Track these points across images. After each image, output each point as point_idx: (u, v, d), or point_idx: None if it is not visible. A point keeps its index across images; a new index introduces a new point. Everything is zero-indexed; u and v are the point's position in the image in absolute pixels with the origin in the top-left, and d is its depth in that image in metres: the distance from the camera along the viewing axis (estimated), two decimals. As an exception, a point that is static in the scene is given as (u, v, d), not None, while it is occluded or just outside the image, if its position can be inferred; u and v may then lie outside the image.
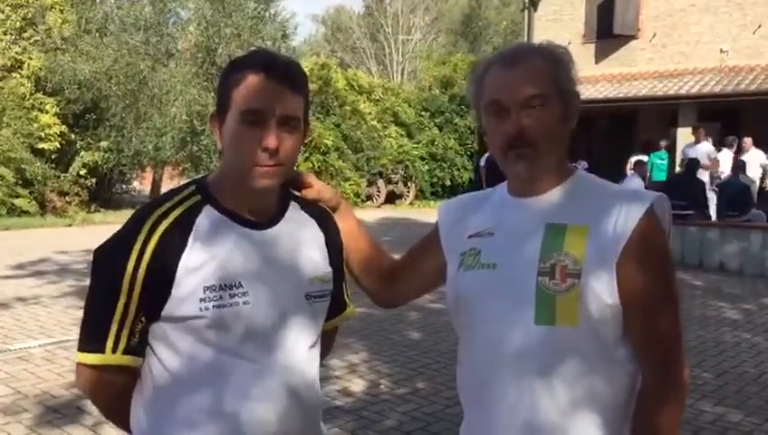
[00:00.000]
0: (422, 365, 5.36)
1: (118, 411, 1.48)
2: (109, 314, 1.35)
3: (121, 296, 1.34)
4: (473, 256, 1.48)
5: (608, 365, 1.38)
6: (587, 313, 1.35)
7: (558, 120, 1.42)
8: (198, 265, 1.36)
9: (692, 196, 10.95)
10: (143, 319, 1.37)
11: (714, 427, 4.26)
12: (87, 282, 1.46)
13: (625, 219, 1.36)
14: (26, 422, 4.16)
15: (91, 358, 1.38)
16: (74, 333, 6.17)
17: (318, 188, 1.62)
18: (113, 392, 1.44)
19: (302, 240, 1.50)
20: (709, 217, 11.29)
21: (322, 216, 1.59)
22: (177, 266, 1.35)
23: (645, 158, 13.62)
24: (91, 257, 1.44)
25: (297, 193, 1.59)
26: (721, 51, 17.24)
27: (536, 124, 1.39)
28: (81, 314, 1.45)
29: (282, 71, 1.38)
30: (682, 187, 11.26)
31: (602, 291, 1.34)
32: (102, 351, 1.36)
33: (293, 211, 1.52)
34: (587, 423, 1.37)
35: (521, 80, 1.40)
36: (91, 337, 1.38)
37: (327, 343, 1.64)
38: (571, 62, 1.47)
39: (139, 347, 1.39)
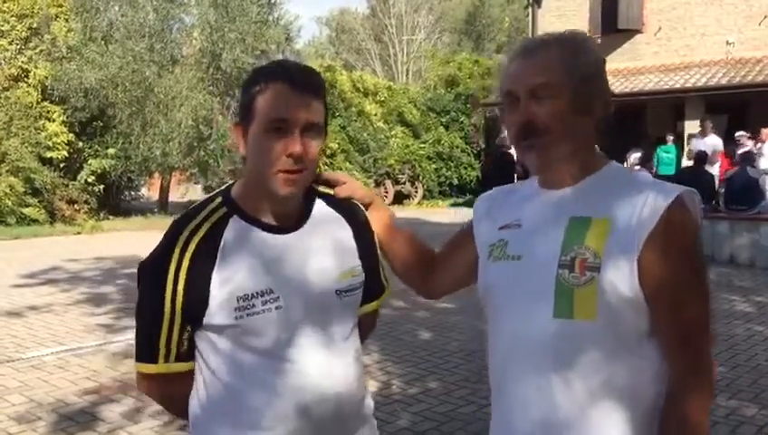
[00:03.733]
0: (433, 365, 5.36)
1: (179, 410, 1.58)
2: (156, 327, 1.45)
3: (165, 310, 1.43)
4: (500, 248, 1.50)
5: (628, 360, 1.36)
6: (605, 306, 1.33)
7: (571, 109, 1.39)
8: (229, 276, 1.42)
9: (701, 189, 10.86)
10: (189, 328, 1.45)
11: (728, 421, 4.23)
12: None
13: (649, 211, 1.33)
14: (40, 430, 4.18)
15: (147, 368, 1.48)
16: (86, 341, 6.22)
17: (351, 186, 1.66)
18: (171, 394, 1.55)
19: (329, 238, 1.54)
20: (719, 209, 11.23)
21: (350, 209, 1.62)
22: (210, 280, 1.42)
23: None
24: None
25: (329, 190, 1.62)
26: (727, 43, 17.15)
27: (545, 113, 1.38)
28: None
29: (305, 80, 1.43)
30: (690, 180, 11.21)
31: (622, 284, 1.32)
32: (156, 361, 1.46)
33: (319, 209, 1.56)
34: (604, 418, 1.36)
35: (531, 70, 1.40)
36: (145, 349, 1.48)
37: (369, 324, 1.71)
38: (593, 51, 1.44)
39: (188, 352, 1.48)
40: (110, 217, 18.77)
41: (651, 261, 1.31)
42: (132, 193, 22.97)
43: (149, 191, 24.36)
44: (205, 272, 1.42)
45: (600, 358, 1.35)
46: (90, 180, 18.58)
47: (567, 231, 1.39)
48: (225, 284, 1.41)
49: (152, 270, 1.46)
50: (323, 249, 1.52)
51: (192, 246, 1.43)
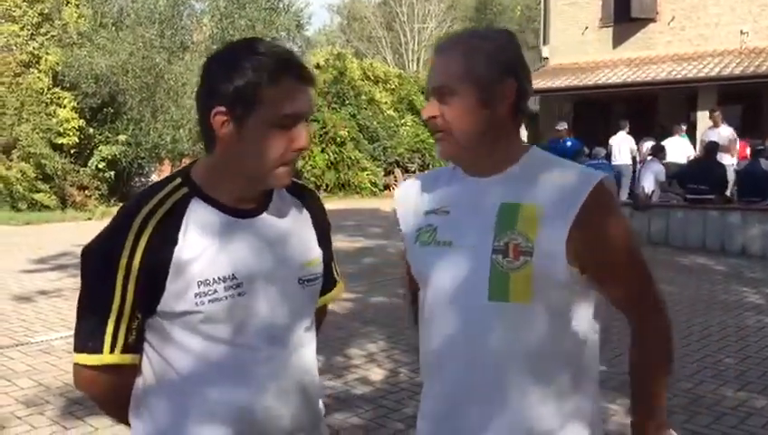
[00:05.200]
0: (441, 354, 5.35)
1: (119, 408, 1.48)
2: (104, 313, 1.35)
3: (116, 295, 1.34)
4: (429, 233, 1.54)
5: (561, 334, 1.45)
6: (539, 288, 1.41)
7: (473, 106, 1.45)
8: (190, 259, 1.35)
9: (712, 180, 10.82)
10: (138, 316, 1.36)
11: (736, 412, 4.21)
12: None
13: (574, 195, 1.42)
14: (49, 414, 4.20)
15: (90, 359, 1.37)
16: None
17: None
18: (113, 391, 1.44)
19: (290, 223, 1.50)
20: (730, 200, 11.16)
21: (307, 195, 1.58)
22: (169, 262, 1.34)
23: (665, 143, 13.47)
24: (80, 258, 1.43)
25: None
26: (741, 32, 16.97)
27: (446, 111, 1.46)
28: (77, 303, 1.45)
29: (306, 72, 1.40)
30: (702, 171, 11.13)
31: (554, 265, 1.41)
32: (100, 351, 1.36)
33: (280, 194, 1.51)
34: (540, 388, 1.43)
35: (436, 70, 1.49)
36: (88, 338, 1.37)
37: (319, 320, 1.65)
38: (496, 47, 1.47)
39: (136, 344, 1.39)
40: (121, 203, 18.78)
41: (582, 240, 1.40)
42: (142, 179, 22.98)
43: (160, 177, 24.38)
44: (163, 255, 1.34)
45: (535, 336, 1.43)
46: (100, 166, 18.64)
47: (498, 217, 1.45)
48: (185, 268, 1.34)
49: (102, 253, 1.37)
50: (286, 236, 1.47)
51: (149, 228, 1.34)
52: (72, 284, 8.21)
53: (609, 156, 14.11)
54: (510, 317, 1.42)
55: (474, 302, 1.44)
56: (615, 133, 14.68)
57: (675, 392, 4.50)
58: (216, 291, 1.35)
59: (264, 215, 1.46)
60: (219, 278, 1.36)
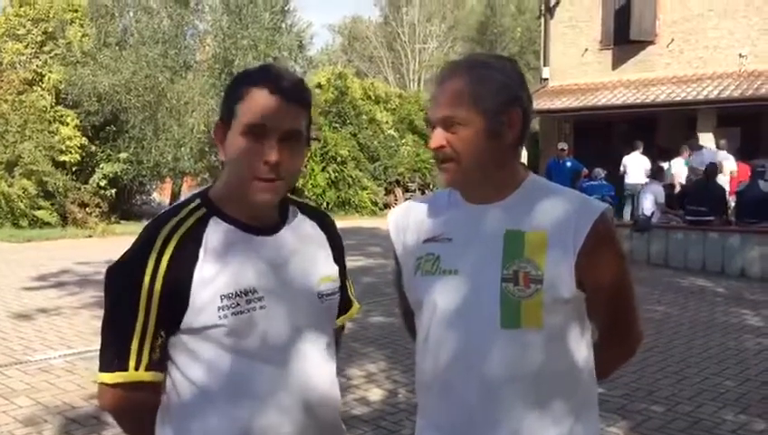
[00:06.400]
0: (440, 374, 5.33)
1: (142, 428, 1.49)
2: (129, 331, 1.37)
3: (140, 313, 1.37)
4: (431, 262, 1.54)
5: (570, 356, 1.49)
6: (550, 314, 1.44)
7: (479, 136, 1.46)
8: (212, 275, 1.39)
9: (712, 202, 10.84)
10: (162, 333, 1.39)
11: (737, 436, 4.20)
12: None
13: (581, 226, 1.45)
14: (47, 433, 4.19)
15: (115, 377, 1.39)
16: (95, 344, 6.21)
17: None
18: (139, 410, 1.46)
19: (307, 242, 1.54)
20: (730, 222, 11.16)
21: (321, 217, 1.64)
22: (191, 279, 1.38)
23: (665, 165, 13.52)
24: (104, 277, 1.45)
25: (299, 199, 1.64)
26: (740, 55, 17.06)
27: (453, 141, 1.47)
28: (101, 324, 1.46)
29: (285, 86, 1.41)
30: (701, 193, 11.16)
31: (564, 291, 1.44)
32: (126, 369, 1.38)
33: (294, 215, 1.56)
34: (549, 411, 1.46)
35: (441, 100, 1.49)
36: (113, 356, 1.40)
37: (336, 340, 1.66)
38: (502, 76, 1.48)
39: (160, 362, 1.41)
40: (122, 220, 18.84)
41: (588, 266, 1.45)
42: (144, 197, 23.06)
43: (161, 196, 24.45)
44: (185, 272, 1.38)
45: (545, 360, 1.45)
46: (102, 184, 18.67)
47: (505, 245, 1.47)
48: (209, 283, 1.38)
49: (126, 272, 1.40)
50: (303, 252, 1.52)
51: (171, 247, 1.39)
52: (72, 302, 8.21)
53: (622, 175, 14.27)
54: (522, 343, 1.44)
55: (485, 329, 1.45)
56: (617, 154, 14.78)
57: (674, 415, 4.50)
58: (238, 304, 1.39)
59: (281, 232, 1.50)
60: (241, 292, 1.40)
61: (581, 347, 1.51)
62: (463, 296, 1.47)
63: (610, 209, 1.58)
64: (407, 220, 1.65)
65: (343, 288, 1.63)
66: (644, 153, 14.51)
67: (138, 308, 1.37)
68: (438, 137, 1.48)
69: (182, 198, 1.56)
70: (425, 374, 1.56)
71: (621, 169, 14.47)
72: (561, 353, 1.47)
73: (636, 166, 14.26)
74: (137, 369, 1.38)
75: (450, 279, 1.49)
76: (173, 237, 1.40)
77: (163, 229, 1.41)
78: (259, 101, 1.39)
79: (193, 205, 1.47)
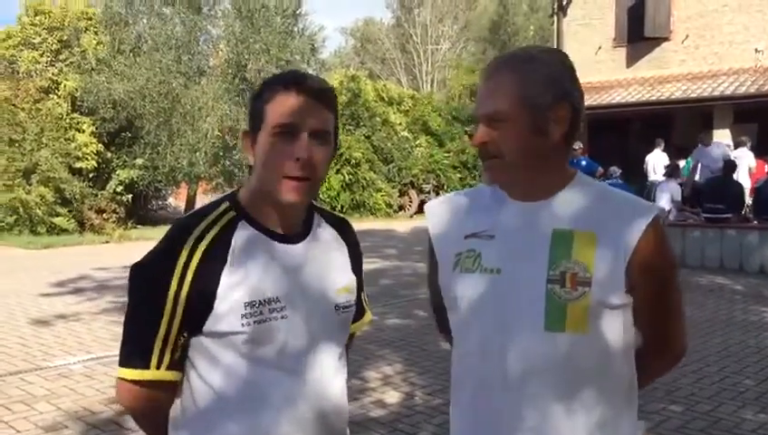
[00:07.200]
0: (457, 376, 5.32)
1: (157, 426, 1.50)
2: (153, 330, 1.38)
3: (165, 313, 1.37)
4: (472, 259, 1.47)
5: (615, 363, 1.43)
6: (595, 318, 1.39)
7: (524, 133, 1.40)
8: (238, 281, 1.39)
9: (730, 198, 10.75)
10: (185, 334, 1.40)
11: (758, 435, 4.16)
12: (125, 298, 1.48)
13: (633, 227, 1.39)
14: (67, 438, 4.23)
15: (136, 373, 1.40)
16: (113, 349, 6.26)
17: None
18: (155, 407, 1.47)
19: (329, 251, 1.55)
20: (748, 219, 11.07)
21: (342, 225, 1.64)
22: (218, 284, 1.38)
23: (681, 162, 13.42)
24: (128, 274, 1.45)
25: (323, 206, 1.64)
26: (756, 50, 16.90)
27: (498, 138, 1.42)
28: (120, 329, 1.46)
29: (311, 87, 1.42)
30: (719, 189, 11.07)
31: (613, 296, 1.39)
32: (147, 367, 1.39)
33: (318, 222, 1.57)
34: (588, 425, 1.41)
35: (485, 96, 1.44)
36: (136, 353, 1.41)
37: (345, 347, 1.68)
38: (547, 70, 1.42)
39: (180, 362, 1.42)
40: (138, 226, 18.98)
41: (638, 270, 1.39)
42: (159, 202, 23.22)
43: (176, 200, 24.62)
44: (214, 274, 1.38)
45: (589, 365, 1.40)
46: (118, 190, 18.84)
47: (551, 245, 1.41)
48: (234, 288, 1.38)
49: (154, 271, 1.41)
50: (325, 263, 1.52)
51: (202, 247, 1.40)
52: (90, 307, 8.27)
53: (645, 173, 14.25)
54: (566, 347, 1.38)
55: (529, 332, 1.40)
56: (633, 151, 14.70)
57: (693, 415, 4.46)
58: (261, 313, 1.39)
59: (305, 241, 1.50)
60: (265, 301, 1.40)
61: (626, 355, 1.45)
62: (505, 297, 1.42)
63: (664, 211, 1.53)
64: (447, 214, 1.58)
65: (358, 297, 1.63)
66: (651, 151, 14.47)
67: (163, 309, 1.37)
68: (481, 133, 1.44)
69: (205, 202, 1.56)
70: (461, 373, 1.52)
71: (645, 166, 14.43)
72: (604, 360, 1.41)
73: (657, 163, 14.21)
74: (158, 368, 1.39)
75: (492, 278, 1.44)
76: (203, 240, 1.41)
77: (194, 232, 1.42)
78: (288, 101, 1.40)
79: (222, 207, 1.47)
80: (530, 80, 1.40)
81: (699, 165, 12.79)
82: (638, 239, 1.38)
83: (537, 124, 1.40)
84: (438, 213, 1.60)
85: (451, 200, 1.62)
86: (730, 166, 11.22)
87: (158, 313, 1.38)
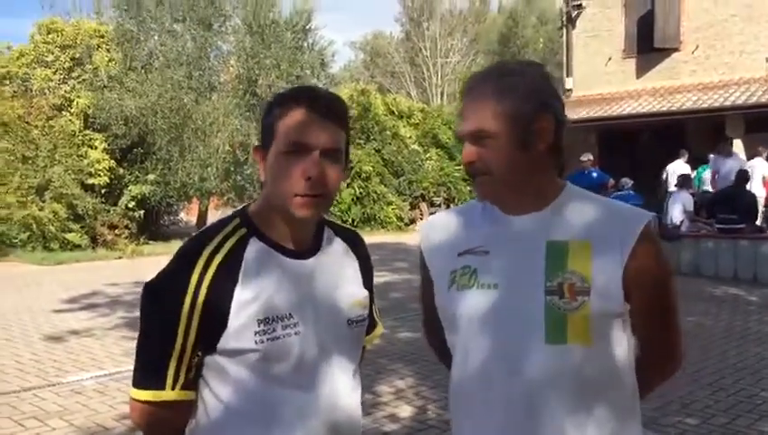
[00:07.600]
0: (470, 390, 5.29)
1: None
2: (167, 350, 1.38)
3: (179, 332, 1.37)
4: (468, 276, 1.47)
5: (615, 375, 1.43)
6: (597, 327, 1.39)
7: (512, 148, 1.40)
8: (250, 298, 1.39)
9: (743, 208, 10.68)
10: (199, 353, 1.40)
11: (775, 448, 4.11)
12: (138, 313, 1.47)
13: (628, 234, 1.40)
14: (80, 454, 4.23)
15: (151, 395, 1.39)
16: (126, 365, 6.28)
17: None
18: (169, 427, 1.46)
19: (341, 266, 1.55)
20: (762, 229, 10.98)
21: (354, 239, 1.63)
22: (231, 302, 1.38)
23: (690, 172, 13.35)
24: (141, 289, 1.45)
25: (334, 220, 1.64)
26: (766, 60, 16.85)
27: (483, 155, 1.42)
28: (132, 345, 1.46)
29: (324, 105, 1.42)
30: (732, 200, 11.00)
31: (612, 304, 1.39)
32: (162, 387, 1.38)
33: (329, 237, 1.56)
34: (599, 428, 1.40)
35: (467, 114, 1.44)
36: (150, 374, 1.40)
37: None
38: (528, 84, 1.41)
39: (194, 381, 1.42)
40: (150, 241, 19.05)
41: (635, 276, 1.39)
42: (171, 218, 23.30)
43: (188, 216, 24.70)
44: (226, 292, 1.38)
45: (591, 376, 1.39)
46: (130, 206, 18.93)
47: (547, 256, 1.41)
48: (247, 306, 1.38)
49: (167, 288, 1.40)
50: (337, 278, 1.52)
51: (214, 264, 1.39)
52: (103, 323, 8.30)
53: (662, 184, 14.18)
54: (568, 359, 1.38)
55: (530, 345, 1.39)
56: (643, 162, 14.64)
57: (710, 428, 4.41)
58: (274, 330, 1.39)
59: (317, 257, 1.50)
60: (278, 317, 1.40)
61: (627, 364, 1.46)
62: (504, 311, 1.42)
63: (655, 217, 1.53)
64: (439, 232, 1.59)
65: (370, 310, 1.63)
66: (670, 162, 14.37)
67: (177, 329, 1.37)
68: (468, 152, 1.44)
69: (217, 217, 1.56)
70: (463, 392, 1.50)
71: (663, 176, 14.31)
72: (609, 371, 1.41)
73: (677, 174, 14.11)
74: (173, 388, 1.39)
75: (489, 293, 1.44)
76: (215, 258, 1.40)
77: (205, 249, 1.41)
78: (299, 119, 1.40)
79: (233, 224, 1.47)
80: (509, 94, 1.41)
81: (717, 175, 12.70)
82: (634, 245, 1.39)
83: (521, 138, 1.40)
84: (430, 232, 1.61)
85: (442, 218, 1.64)
86: (742, 176, 11.15)
87: (172, 332, 1.37)
